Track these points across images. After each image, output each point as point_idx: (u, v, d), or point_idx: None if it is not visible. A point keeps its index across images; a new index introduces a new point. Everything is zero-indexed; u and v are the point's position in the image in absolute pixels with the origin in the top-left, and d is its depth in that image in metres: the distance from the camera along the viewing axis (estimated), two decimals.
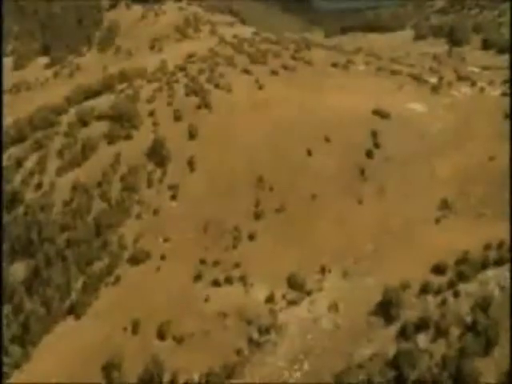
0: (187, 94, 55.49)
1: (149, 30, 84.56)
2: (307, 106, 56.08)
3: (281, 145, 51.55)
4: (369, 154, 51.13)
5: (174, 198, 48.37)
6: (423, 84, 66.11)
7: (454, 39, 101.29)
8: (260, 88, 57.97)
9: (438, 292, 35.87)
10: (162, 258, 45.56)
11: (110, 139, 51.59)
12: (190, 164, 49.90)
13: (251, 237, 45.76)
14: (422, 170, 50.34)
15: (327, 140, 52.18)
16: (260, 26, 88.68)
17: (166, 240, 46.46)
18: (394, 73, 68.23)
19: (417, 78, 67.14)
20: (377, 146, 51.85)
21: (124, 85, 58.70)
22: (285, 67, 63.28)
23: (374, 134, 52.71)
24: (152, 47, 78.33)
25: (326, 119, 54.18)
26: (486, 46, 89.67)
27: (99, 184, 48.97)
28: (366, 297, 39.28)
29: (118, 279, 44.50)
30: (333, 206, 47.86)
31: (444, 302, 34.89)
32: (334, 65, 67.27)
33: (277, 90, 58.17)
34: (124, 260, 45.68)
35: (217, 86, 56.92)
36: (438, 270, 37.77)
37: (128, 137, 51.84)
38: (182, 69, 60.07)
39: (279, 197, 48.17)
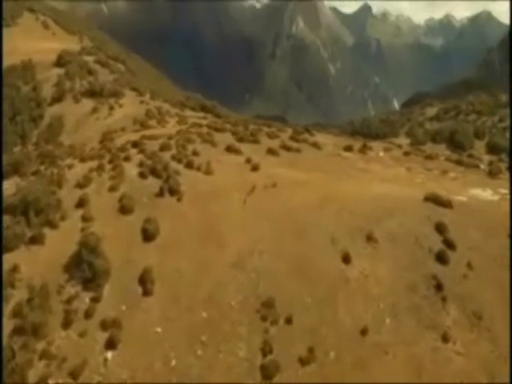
0: (142, 176, 35.38)
1: (101, 124, 66.45)
2: (328, 192, 36.77)
3: (299, 248, 31.11)
4: (441, 259, 31.24)
5: (111, 345, 26.13)
6: (473, 169, 48.94)
7: (456, 144, 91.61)
8: (254, 169, 38.73)
9: None
10: None
11: (6, 243, 30.06)
12: (144, 283, 28.44)
13: None
14: None
15: (370, 239, 32.20)
16: None
17: None
18: (428, 157, 51.16)
19: (461, 163, 50.07)
20: (449, 245, 32.19)
21: (43, 166, 38.47)
22: (285, 147, 44.88)
23: (441, 229, 33.27)
24: (102, 141, 59.50)
25: (360, 209, 34.71)
26: (492, 150, 78.87)
27: None
28: None
29: None
30: (400, 345, 26.74)
31: None
32: (348, 148, 49.70)
33: (279, 173, 39.05)
34: None
35: (189, 165, 37.20)
36: None
37: (36, 239, 30.10)
38: (137, 144, 40.43)
39: (305, 334, 26.78)
